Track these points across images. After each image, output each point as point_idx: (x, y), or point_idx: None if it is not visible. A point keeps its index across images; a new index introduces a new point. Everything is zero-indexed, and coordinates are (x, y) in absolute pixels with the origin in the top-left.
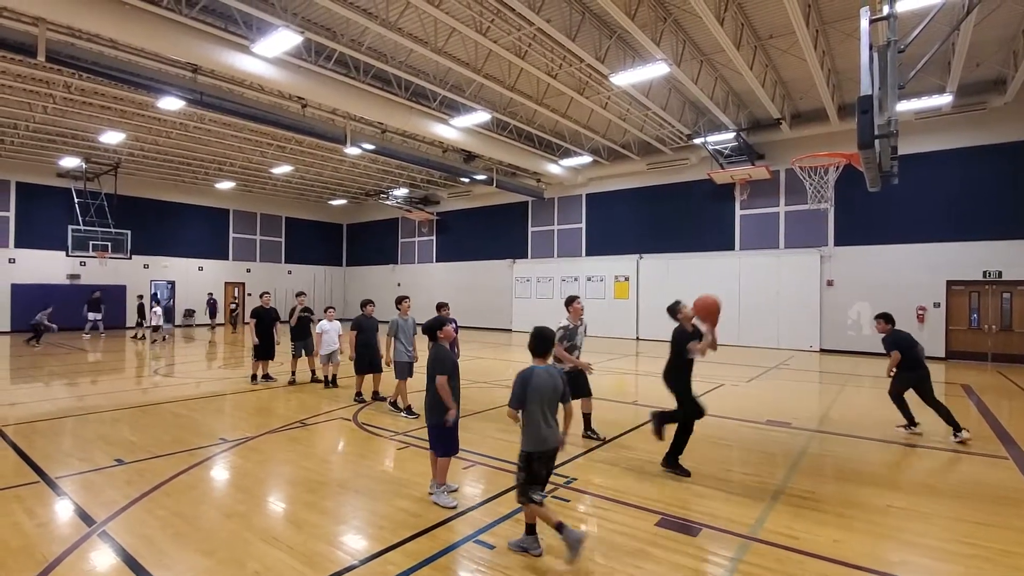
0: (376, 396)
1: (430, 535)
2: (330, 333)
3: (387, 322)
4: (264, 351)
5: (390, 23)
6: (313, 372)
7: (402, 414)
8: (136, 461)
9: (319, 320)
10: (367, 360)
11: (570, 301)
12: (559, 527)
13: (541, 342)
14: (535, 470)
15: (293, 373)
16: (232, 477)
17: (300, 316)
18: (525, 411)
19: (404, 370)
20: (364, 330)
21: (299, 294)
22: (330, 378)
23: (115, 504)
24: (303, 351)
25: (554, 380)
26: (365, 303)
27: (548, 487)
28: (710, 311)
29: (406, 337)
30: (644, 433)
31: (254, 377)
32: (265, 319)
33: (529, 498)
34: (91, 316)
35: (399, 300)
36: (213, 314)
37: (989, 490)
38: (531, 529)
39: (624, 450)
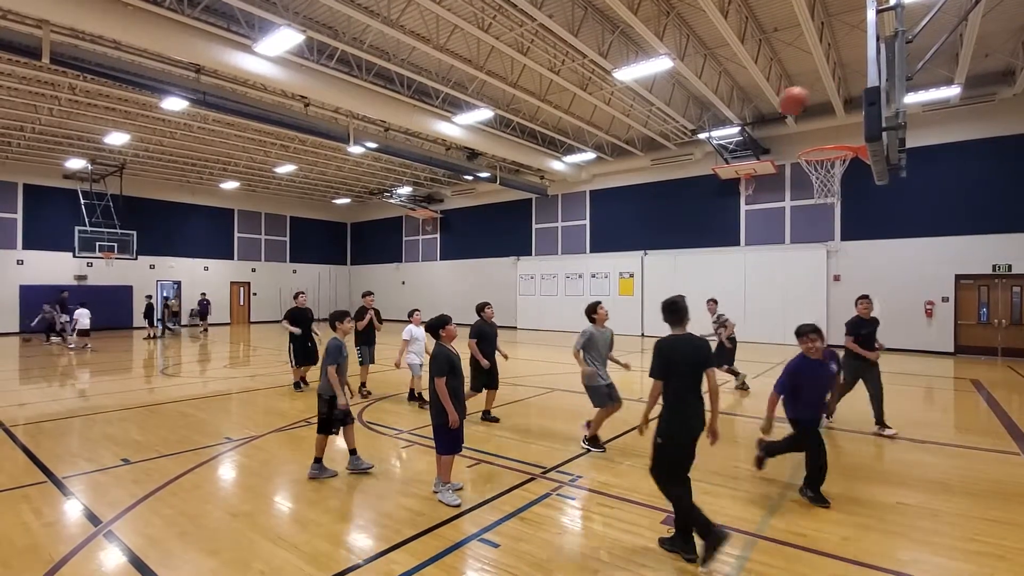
0: (487, 415)
1: (435, 533)
2: (420, 342)
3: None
4: (305, 355)
5: (392, 21)
6: (363, 384)
7: (590, 448)
8: (142, 460)
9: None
10: (487, 373)
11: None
12: (317, 459)
13: (331, 320)
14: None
15: (363, 384)
16: (237, 476)
17: (368, 317)
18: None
19: (602, 396)
20: (486, 338)
21: (366, 294)
22: (418, 394)
23: (121, 504)
24: (369, 359)
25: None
26: (483, 306)
27: (553, 484)
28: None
29: (599, 354)
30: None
31: (297, 384)
32: (301, 320)
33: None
34: (63, 317)
35: (594, 306)
36: (204, 315)
37: (1001, 487)
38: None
39: (629, 448)
